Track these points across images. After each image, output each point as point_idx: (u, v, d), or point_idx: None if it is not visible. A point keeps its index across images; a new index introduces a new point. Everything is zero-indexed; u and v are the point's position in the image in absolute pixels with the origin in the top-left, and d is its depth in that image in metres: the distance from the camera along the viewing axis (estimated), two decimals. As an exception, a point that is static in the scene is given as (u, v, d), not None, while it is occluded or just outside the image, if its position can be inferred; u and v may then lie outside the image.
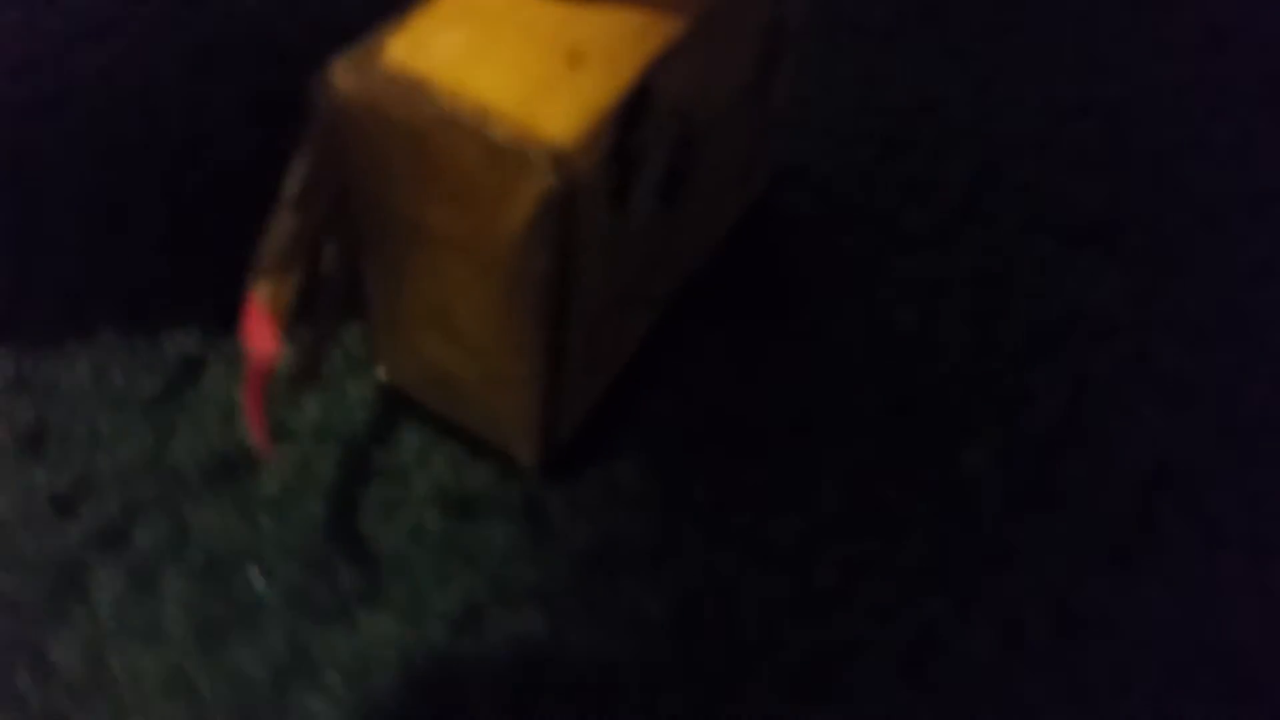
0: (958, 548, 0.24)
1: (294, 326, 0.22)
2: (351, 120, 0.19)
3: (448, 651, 0.22)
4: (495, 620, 0.22)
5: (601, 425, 0.25)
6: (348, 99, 0.18)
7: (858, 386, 0.26)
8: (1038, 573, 0.24)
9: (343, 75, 0.18)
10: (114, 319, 0.26)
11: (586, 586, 0.23)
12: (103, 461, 0.24)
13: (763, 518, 0.24)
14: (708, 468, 0.25)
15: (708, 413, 0.25)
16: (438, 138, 0.18)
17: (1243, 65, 0.33)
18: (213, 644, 0.22)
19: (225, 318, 0.26)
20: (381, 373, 0.25)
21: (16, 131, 0.29)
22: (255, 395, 0.20)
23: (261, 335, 0.20)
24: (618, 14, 0.19)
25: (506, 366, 0.22)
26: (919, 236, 0.29)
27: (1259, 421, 0.26)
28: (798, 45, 0.26)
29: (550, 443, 0.24)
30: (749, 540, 0.24)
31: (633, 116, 0.19)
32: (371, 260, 0.22)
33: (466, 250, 0.20)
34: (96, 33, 0.32)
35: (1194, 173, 0.31)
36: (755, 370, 0.26)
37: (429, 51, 0.18)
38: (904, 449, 0.25)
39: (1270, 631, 0.23)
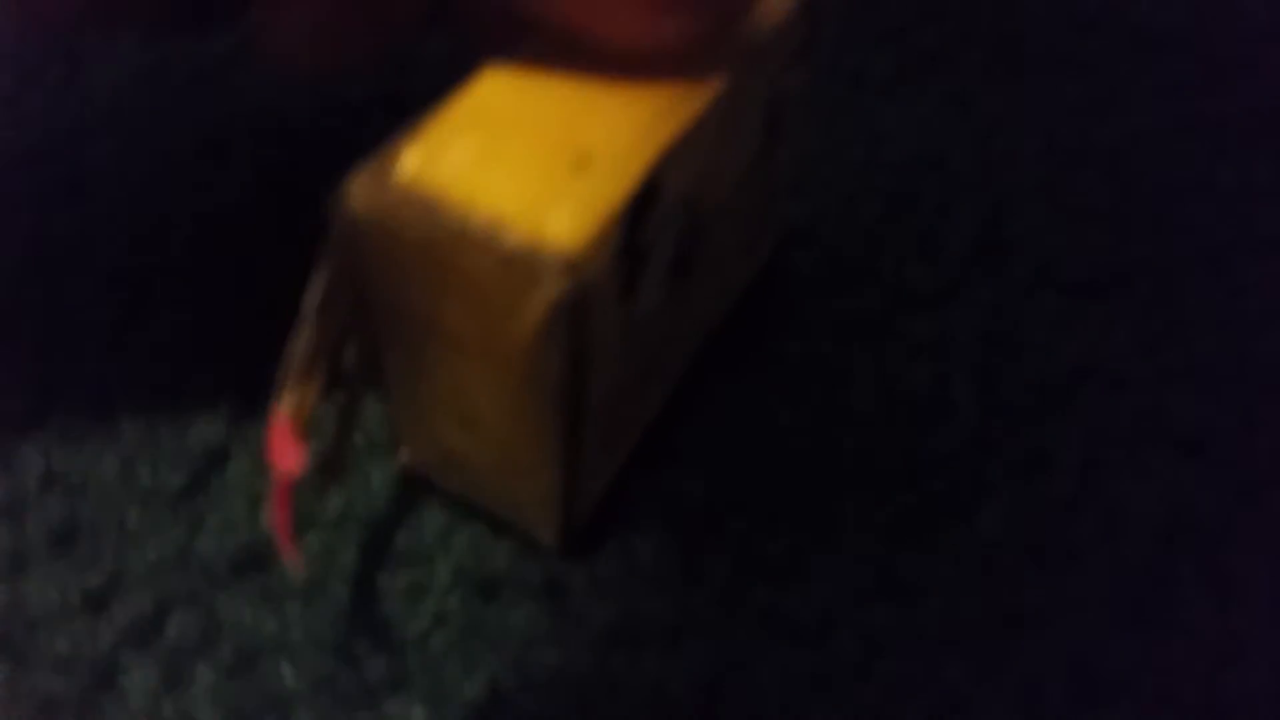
0: (976, 613, 0.24)
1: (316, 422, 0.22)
2: (368, 234, 0.19)
3: (474, 737, 0.22)
4: (519, 703, 0.23)
5: (619, 501, 0.25)
6: (364, 215, 0.19)
7: (871, 452, 0.26)
8: (1056, 635, 0.24)
9: (358, 191, 0.19)
10: (138, 412, 0.27)
11: (608, 666, 0.23)
12: (133, 557, 0.24)
13: (782, 591, 0.24)
14: (726, 541, 0.25)
15: (724, 485, 0.26)
16: (451, 249, 0.19)
17: (1243, 105, 0.33)
18: (245, 737, 0.22)
19: (248, 408, 0.27)
20: (404, 455, 0.25)
21: (34, 221, 0.30)
22: (282, 508, 0.21)
23: (285, 451, 0.20)
24: (626, 111, 0.20)
25: (524, 455, 0.22)
26: (926, 296, 0.29)
27: (1273, 474, 0.26)
28: (798, 108, 0.26)
29: (570, 523, 0.24)
30: (769, 614, 0.24)
31: (641, 213, 0.19)
32: (390, 355, 0.22)
33: (481, 352, 0.20)
34: (112, 117, 0.33)
35: (1198, 217, 0.31)
36: (769, 439, 0.27)
37: (441, 163, 0.19)
38: (920, 514, 0.25)
39: (1292, 688, 0.23)
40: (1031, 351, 0.28)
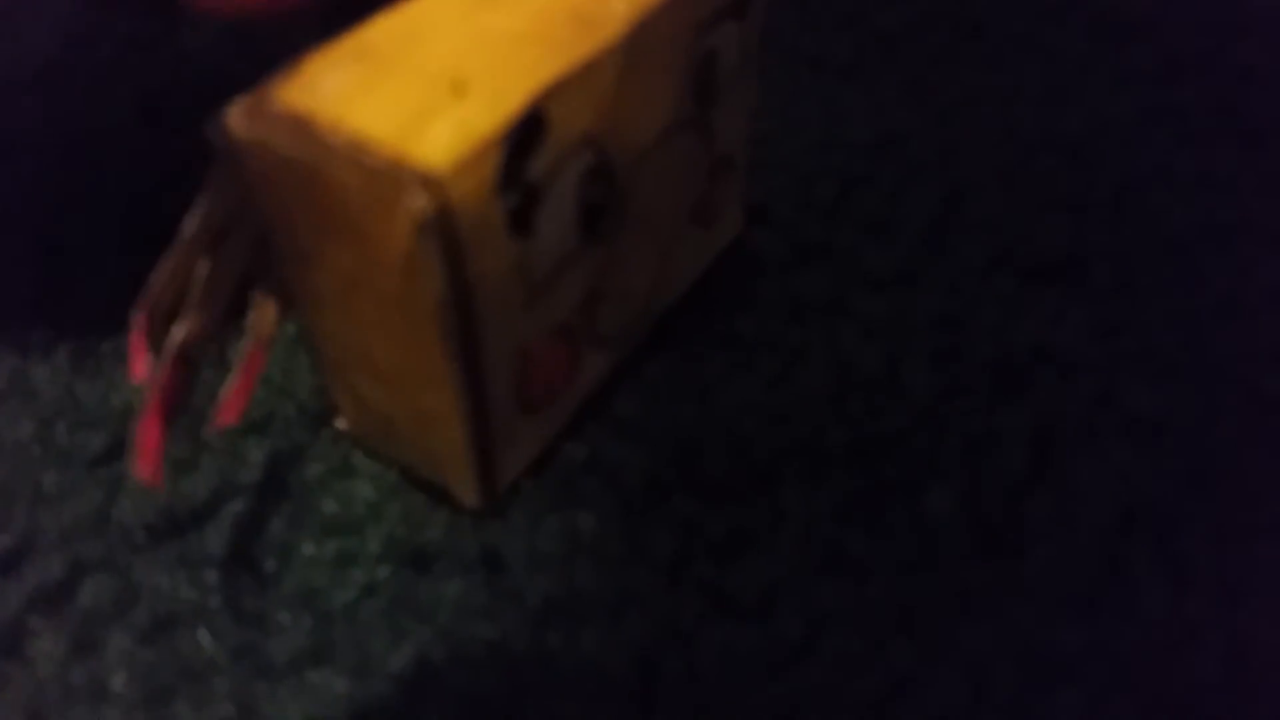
0: (924, 595, 0.23)
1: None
2: (247, 161, 0.19)
3: (400, 710, 0.21)
4: (448, 678, 0.22)
5: (560, 472, 0.25)
6: (241, 140, 0.19)
7: (822, 430, 0.26)
8: (1005, 618, 0.23)
9: (236, 117, 0.19)
10: (58, 374, 0.25)
11: (544, 641, 0.22)
12: (47, 520, 0.23)
13: (726, 567, 0.24)
14: (670, 517, 0.24)
15: (670, 459, 0.25)
16: (322, 170, 0.19)
17: (1201, 95, 0.33)
18: (158, 705, 0.21)
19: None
20: (340, 423, 0.24)
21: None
22: (151, 420, 0.21)
23: (137, 358, 0.21)
24: (513, 49, 0.20)
25: (429, 402, 0.21)
26: (882, 276, 0.29)
27: (1227, 460, 0.26)
28: (744, 81, 0.26)
29: (493, 485, 0.23)
30: (712, 590, 0.23)
31: (524, 143, 0.19)
32: (302, 306, 0.22)
33: (366, 284, 0.20)
34: (43, 79, 0.32)
35: (1157, 205, 0.31)
36: (718, 415, 0.26)
37: (317, 91, 0.19)
38: (869, 494, 0.25)
39: (1240, 675, 0.23)
40: (985, 334, 0.28)
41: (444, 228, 0.18)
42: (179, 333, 0.21)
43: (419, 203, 0.18)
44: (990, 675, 0.22)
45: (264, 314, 0.23)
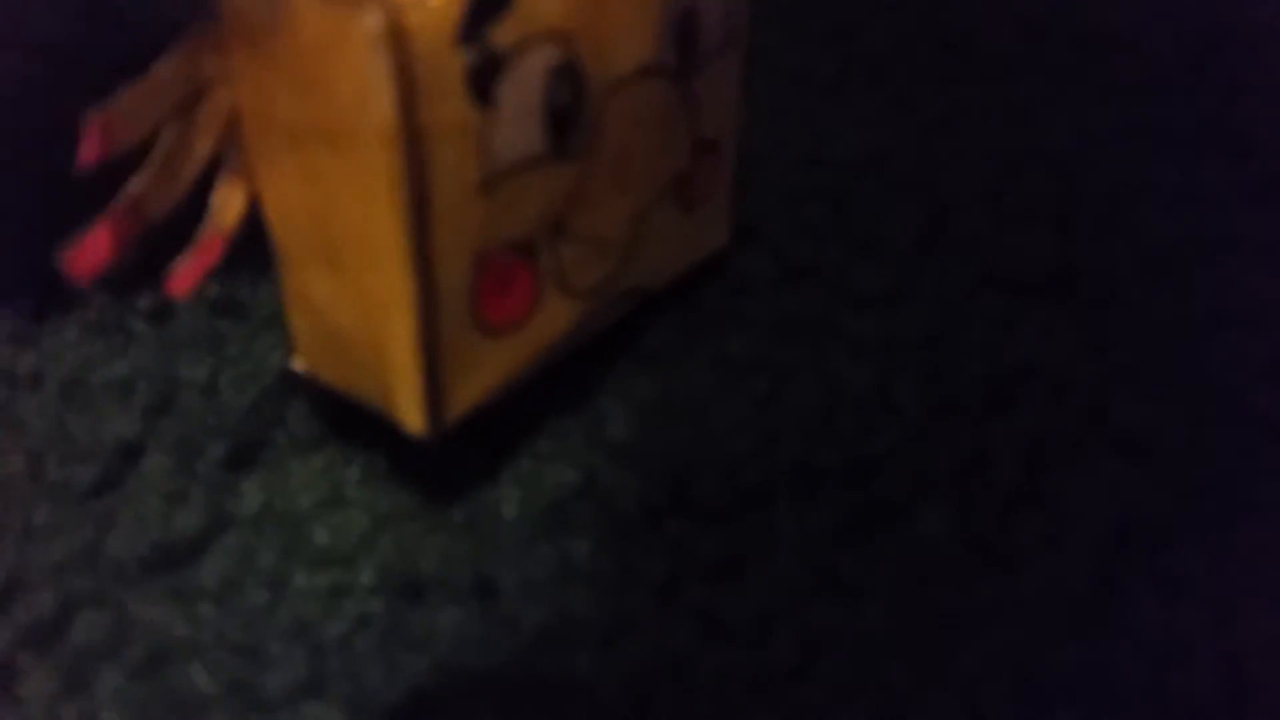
0: (916, 614, 0.23)
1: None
2: (222, 17, 0.20)
3: (395, 743, 0.21)
4: (444, 708, 0.22)
5: (552, 498, 0.25)
6: None
7: (813, 450, 0.26)
8: (999, 639, 0.23)
9: None
10: (48, 407, 0.25)
11: (538, 669, 0.22)
12: (37, 555, 0.23)
13: (719, 591, 0.24)
14: (662, 541, 0.24)
15: (662, 483, 0.25)
16: (284, 12, 0.19)
17: (1187, 109, 0.33)
18: (151, 744, 0.21)
19: (164, 401, 0.25)
20: (298, 362, 0.24)
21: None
22: (105, 232, 0.22)
23: (89, 145, 0.21)
24: None
25: (377, 285, 0.22)
26: (870, 294, 0.29)
27: (1218, 475, 0.26)
28: (730, 62, 0.26)
29: (441, 407, 0.23)
30: (705, 615, 0.23)
31: (489, 8, 0.20)
32: (262, 189, 0.23)
33: (326, 135, 0.20)
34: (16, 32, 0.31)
35: (1142, 220, 0.31)
36: (709, 437, 0.26)
37: None
38: (861, 513, 0.25)
39: (1232, 689, 0.23)
40: (974, 352, 0.28)
41: (397, 50, 0.19)
42: (139, 185, 0.22)
43: (373, 20, 0.18)
44: (985, 697, 0.23)
45: (229, 196, 0.23)
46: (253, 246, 0.29)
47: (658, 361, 0.27)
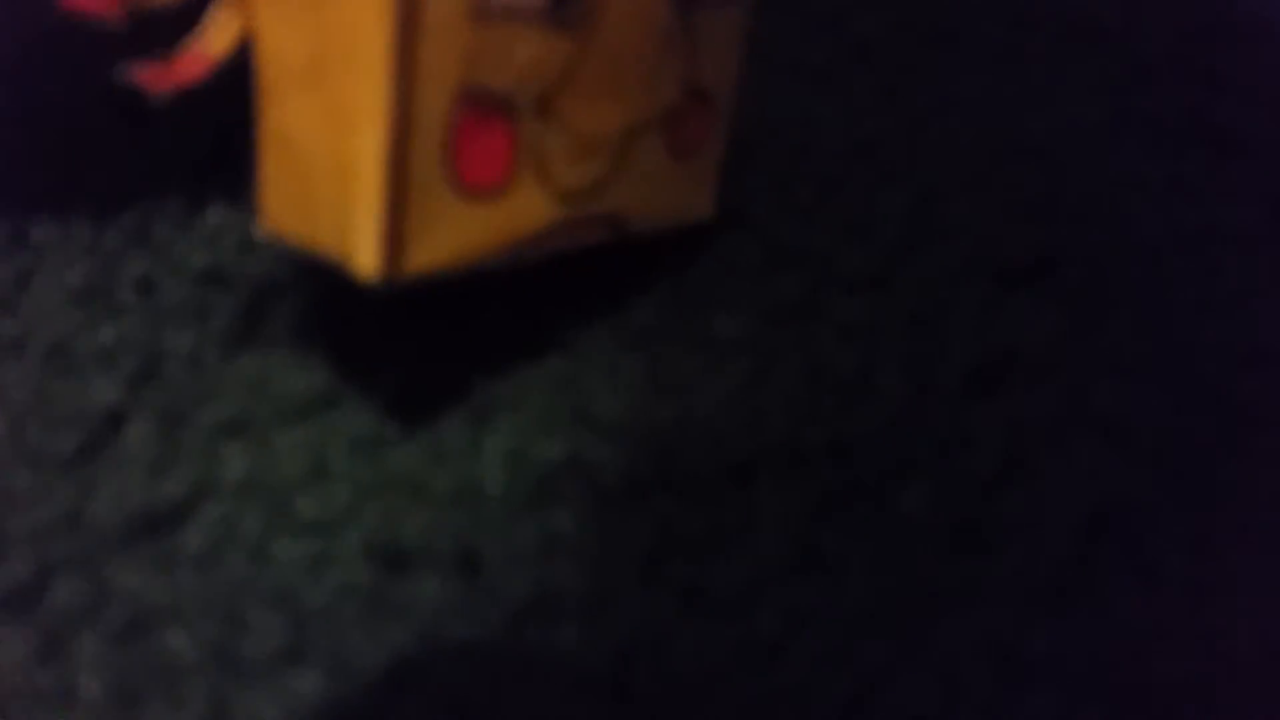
0: (898, 592, 0.24)
1: None
2: None
3: (377, 711, 0.21)
4: (426, 678, 0.22)
5: (538, 472, 0.25)
6: None
7: (797, 430, 0.26)
8: (978, 618, 0.23)
9: None
10: (30, 373, 0.25)
11: (521, 641, 0.22)
12: (16, 521, 0.23)
13: (702, 565, 0.24)
14: (647, 515, 0.24)
15: (647, 459, 0.25)
16: None
17: (1171, 102, 0.33)
18: (129, 708, 0.21)
19: (149, 370, 0.25)
20: (262, 225, 0.24)
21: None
22: None
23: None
24: None
25: (357, 96, 0.21)
26: (856, 278, 0.29)
27: (1196, 462, 0.26)
28: (729, 21, 0.26)
29: (398, 251, 0.22)
30: (688, 588, 0.23)
31: None
32: (259, 17, 0.22)
33: None
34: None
35: (1128, 211, 0.31)
36: (695, 415, 0.26)
37: None
38: (844, 492, 0.25)
39: (1211, 673, 0.23)
40: (958, 336, 0.28)
41: None
42: None
43: None
44: (963, 674, 0.23)
45: (223, 24, 0.23)
46: (239, 218, 0.29)
47: (644, 341, 0.27)
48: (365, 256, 0.22)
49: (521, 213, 0.24)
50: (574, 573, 0.23)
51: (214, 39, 0.23)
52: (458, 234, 0.23)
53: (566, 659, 0.22)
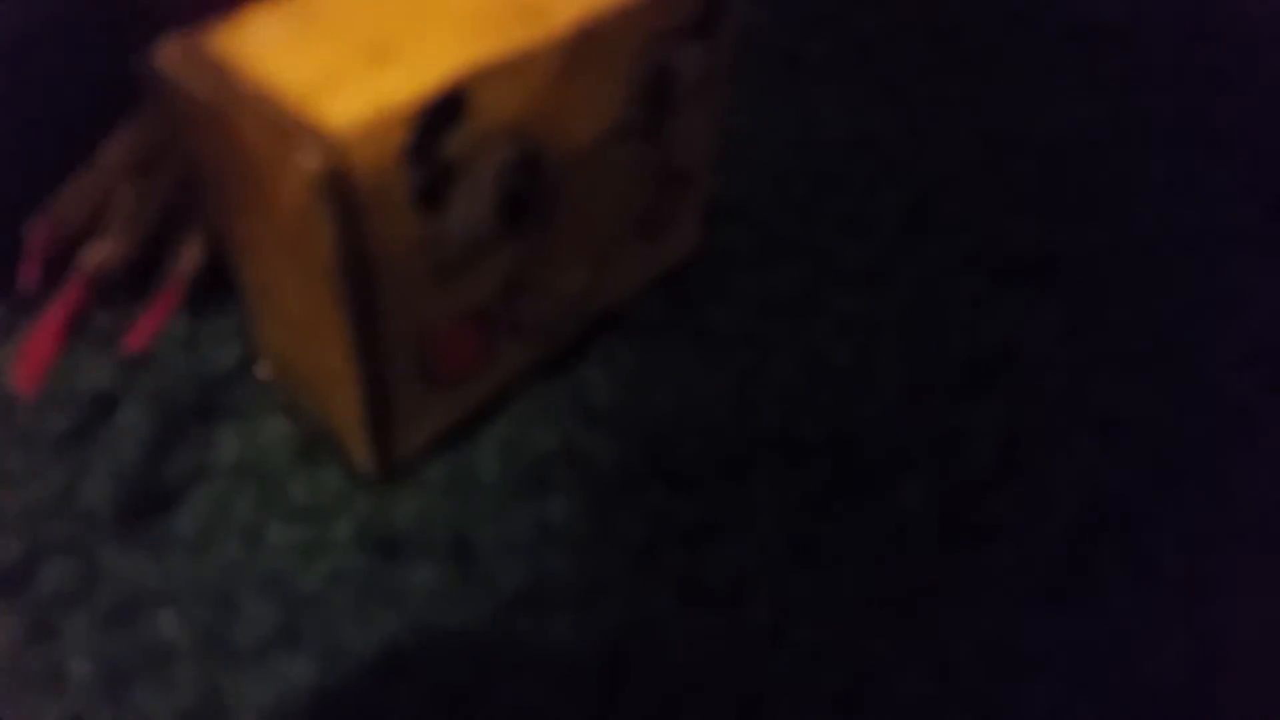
0: (893, 586, 0.24)
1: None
2: (170, 95, 0.20)
3: (368, 696, 0.21)
4: (416, 665, 0.22)
5: (532, 461, 0.25)
6: (164, 75, 0.20)
7: (794, 423, 0.26)
8: (972, 610, 0.23)
9: (167, 55, 0.20)
10: (25, 353, 0.25)
11: (513, 628, 0.22)
12: (7, 501, 0.23)
13: (696, 556, 0.24)
14: (641, 505, 0.24)
15: (641, 449, 0.25)
16: (229, 117, 0.19)
17: (1171, 102, 0.33)
18: (118, 690, 0.21)
19: (143, 356, 0.25)
20: (261, 369, 0.25)
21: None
22: (48, 333, 0.21)
23: (31, 268, 0.22)
24: (450, 27, 0.20)
25: (330, 357, 0.22)
26: (854, 272, 0.29)
27: (1193, 459, 0.26)
28: (709, 98, 0.26)
29: (389, 454, 0.23)
30: (681, 579, 0.23)
31: (439, 120, 0.19)
32: (227, 246, 0.23)
33: (271, 232, 0.20)
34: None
35: (1127, 210, 0.31)
36: (691, 406, 0.26)
37: (249, 41, 0.20)
38: (839, 485, 0.25)
39: (1204, 670, 0.23)
40: (955, 331, 0.28)
41: (338, 190, 0.18)
42: (95, 255, 0.22)
43: (312, 162, 0.18)
44: (957, 667, 0.23)
45: (188, 250, 0.23)
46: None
47: (641, 333, 0.27)
48: (360, 459, 0.23)
49: (501, 368, 0.25)
50: (568, 562, 0.23)
51: (183, 263, 0.24)
52: (444, 413, 0.24)
53: (559, 648, 0.22)
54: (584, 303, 0.26)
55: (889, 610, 0.23)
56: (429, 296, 0.21)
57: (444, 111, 0.19)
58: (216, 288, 0.27)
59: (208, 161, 0.20)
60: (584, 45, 0.21)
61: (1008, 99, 0.33)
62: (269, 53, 0.19)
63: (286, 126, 0.18)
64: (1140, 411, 0.27)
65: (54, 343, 0.21)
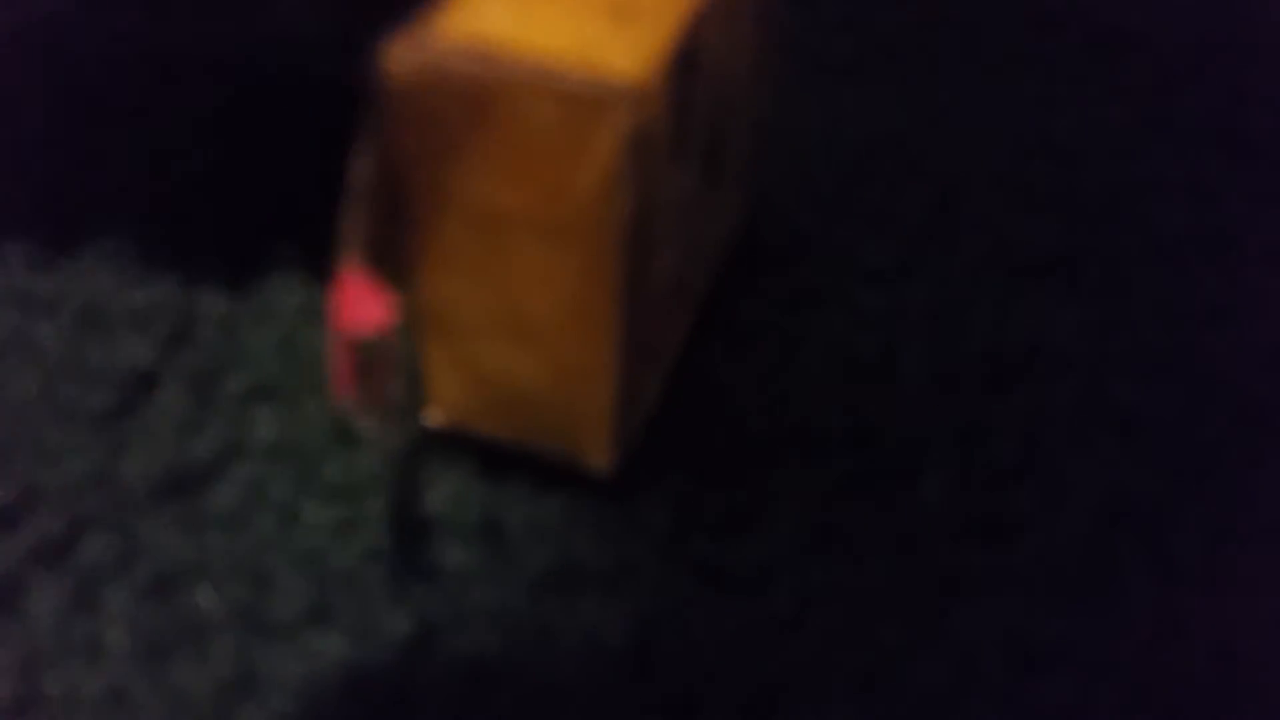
0: (913, 577, 0.24)
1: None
2: (413, 101, 0.18)
3: (398, 673, 0.22)
4: (448, 642, 0.22)
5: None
6: (408, 78, 0.18)
7: (818, 415, 0.26)
8: (993, 603, 0.24)
9: (398, 56, 0.18)
10: (64, 330, 0.25)
11: (542, 610, 0.23)
12: (48, 476, 0.23)
13: (721, 544, 0.24)
14: (668, 493, 0.25)
15: (668, 439, 0.25)
16: (506, 99, 0.18)
17: (1193, 108, 0.34)
18: (156, 662, 0.21)
19: (180, 332, 0.26)
20: (436, 415, 0.24)
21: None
22: (345, 362, 0.20)
23: (364, 304, 0.20)
24: None
25: (582, 356, 0.21)
26: (878, 268, 0.29)
27: (1213, 458, 0.26)
28: (763, 68, 0.26)
29: (622, 442, 0.23)
30: (706, 566, 0.24)
31: (687, 68, 0.19)
32: (431, 270, 0.21)
33: (540, 226, 0.19)
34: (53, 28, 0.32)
35: (1149, 213, 0.31)
36: (715, 397, 0.26)
37: (478, 23, 0.18)
38: (863, 478, 0.25)
39: (1225, 668, 0.23)
40: (979, 328, 0.28)
41: (644, 148, 0.18)
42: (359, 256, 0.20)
43: (627, 122, 0.17)
44: (976, 659, 0.23)
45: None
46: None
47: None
48: (598, 461, 0.23)
49: (675, 338, 0.25)
50: (595, 547, 0.24)
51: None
52: (650, 391, 0.24)
53: (586, 630, 0.22)
54: (716, 255, 0.26)
55: (910, 601, 0.24)
56: (669, 268, 0.21)
57: (690, 59, 0.19)
58: (254, 269, 0.28)
59: (438, 166, 0.19)
60: None
61: (1031, 101, 0.34)
62: (508, 28, 0.18)
63: (586, 93, 0.17)
64: (1161, 411, 0.27)
65: (351, 365, 0.21)
